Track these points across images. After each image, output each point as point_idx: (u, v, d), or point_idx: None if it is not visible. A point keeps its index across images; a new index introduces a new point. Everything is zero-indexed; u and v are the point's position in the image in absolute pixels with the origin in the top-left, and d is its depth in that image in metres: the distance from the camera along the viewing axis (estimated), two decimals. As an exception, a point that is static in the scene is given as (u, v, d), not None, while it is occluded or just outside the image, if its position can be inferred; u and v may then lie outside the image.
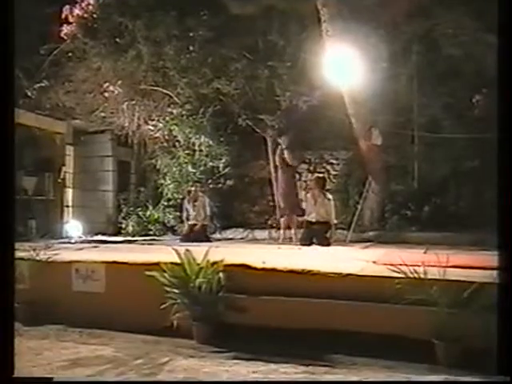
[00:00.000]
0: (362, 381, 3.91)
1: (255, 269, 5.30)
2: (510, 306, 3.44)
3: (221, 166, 12.97)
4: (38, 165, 12.03)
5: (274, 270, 5.26)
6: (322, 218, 9.52)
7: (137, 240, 11.13)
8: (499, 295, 3.63)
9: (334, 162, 13.82)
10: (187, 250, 5.36)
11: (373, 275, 4.91)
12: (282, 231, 10.81)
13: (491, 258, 4.93)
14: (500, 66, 3.72)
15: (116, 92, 12.24)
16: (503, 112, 3.67)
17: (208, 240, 10.50)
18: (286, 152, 11.34)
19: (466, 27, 10.03)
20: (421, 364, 4.17)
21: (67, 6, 11.44)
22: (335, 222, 9.70)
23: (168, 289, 5.09)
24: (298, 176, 14.21)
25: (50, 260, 6.16)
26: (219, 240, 11.38)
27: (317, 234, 9.45)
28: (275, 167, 11.42)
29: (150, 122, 12.80)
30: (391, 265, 4.76)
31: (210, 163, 12.93)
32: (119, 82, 12.12)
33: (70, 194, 13.37)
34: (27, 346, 4.75)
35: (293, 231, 10.63)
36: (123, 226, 13.26)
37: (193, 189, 11.48)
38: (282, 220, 10.92)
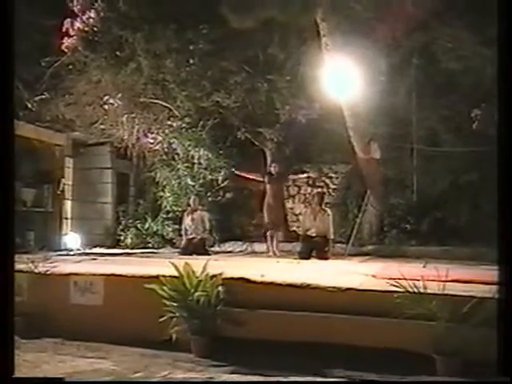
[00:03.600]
0: (362, 380, 3.89)
1: (254, 282, 5.29)
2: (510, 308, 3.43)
3: (220, 178, 12.98)
4: (37, 176, 12.02)
5: (272, 283, 5.25)
6: (321, 232, 9.55)
7: (135, 252, 11.09)
8: (500, 300, 3.62)
9: (333, 175, 13.85)
10: (186, 264, 5.35)
11: (372, 289, 4.90)
12: (269, 244, 10.73)
13: (491, 272, 4.94)
14: (500, 78, 3.73)
15: (116, 105, 12.27)
16: (503, 125, 3.67)
17: (207, 253, 10.46)
18: (273, 164, 11.30)
19: (465, 41, 10.08)
20: (420, 378, 4.15)
21: (68, 19, 11.47)
22: (332, 237, 9.70)
23: (167, 302, 5.08)
24: (296, 190, 14.30)
25: (48, 272, 6.14)
26: (218, 253, 11.35)
27: (316, 248, 9.47)
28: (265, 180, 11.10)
29: (149, 135, 12.83)
30: (391, 279, 4.75)
31: (209, 176, 12.94)
32: (119, 95, 12.15)
33: (68, 205, 13.35)
34: (24, 359, 4.72)
35: (274, 246, 10.60)
36: (122, 238, 13.23)
37: (192, 202, 11.46)
38: (268, 234, 10.78)
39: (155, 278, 5.30)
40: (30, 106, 11.79)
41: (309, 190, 13.92)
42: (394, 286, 4.56)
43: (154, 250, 12.01)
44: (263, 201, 10.89)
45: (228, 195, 13.25)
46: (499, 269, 3.64)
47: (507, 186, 3.57)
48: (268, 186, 10.86)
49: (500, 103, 3.73)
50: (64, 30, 11.45)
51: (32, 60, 10.78)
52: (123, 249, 12.39)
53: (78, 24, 11.45)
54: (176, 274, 5.25)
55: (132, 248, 12.50)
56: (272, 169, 11.01)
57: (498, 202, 3.61)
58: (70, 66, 11.91)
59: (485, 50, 9.35)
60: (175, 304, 5.07)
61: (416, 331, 4.35)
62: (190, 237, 10.89)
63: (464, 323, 4.10)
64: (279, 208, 11.02)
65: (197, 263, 5.44)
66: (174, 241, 12.84)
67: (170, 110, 12.44)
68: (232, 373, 4.42)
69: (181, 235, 11.59)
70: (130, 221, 13.44)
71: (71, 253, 10.66)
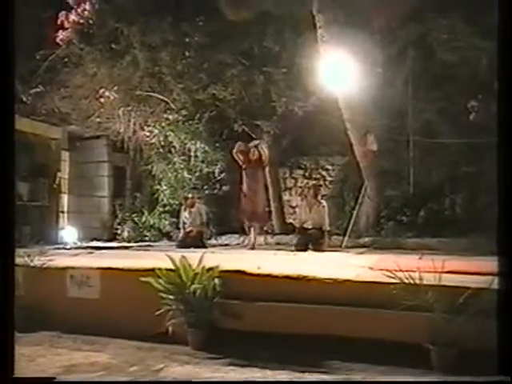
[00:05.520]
0: (362, 381, 3.89)
1: (251, 274, 5.29)
2: (510, 305, 3.42)
3: (216, 171, 12.98)
4: (33, 170, 12.00)
5: (269, 275, 5.25)
6: (317, 224, 9.56)
7: (132, 246, 11.09)
8: (499, 295, 3.60)
9: (330, 167, 13.88)
10: (183, 257, 5.34)
11: (369, 281, 4.90)
12: (249, 237, 10.43)
13: (486, 263, 4.95)
14: (499, 69, 3.69)
15: (112, 98, 12.25)
16: (504, 115, 3.64)
17: (204, 246, 10.47)
18: (251, 149, 10.43)
19: (461, 32, 10.07)
20: (417, 369, 4.16)
21: (63, 12, 11.43)
22: (329, 228, 9.71)
23: (163, 295, 5.07)
24: (292, 182, 14.31)
25: (44, 266, 6.12)
26: (215, 246, 11.35)
27: (312, 240, 9.48)
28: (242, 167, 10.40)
29: (145, 128, 12.82)
30: (387, 270, 4.75)
31: (206, 169, 12.95)
32: (115, 88, 12.13)
33: (65, 199, 13.34)
34: (21, 353, 4.71)
35: (252, 238, 10.27)
36: (119, 231, 13.25)
37: (189, 196, 11.46)
38: (246, 225, 10.48)
39: (152, 272, 5.29)
40: (24, 99, 11.75)
41: (305, 182, 13.95)
42: (391, 277, 4.56)
43: (151, 243, 12.00)
44: (267, 193, 10.62)
45: (225, 188, 13.24)
46: (499, 259, 3.62)
47: (507, 175, 3.52)
48: (245, 173, 10.24)
49: (500, 93, 3.70)
50: (59, 22, 11.42)
51: (26, 53, 10.72)
52: (120, 242, 12.39)
53: (72, 16, 11.42)
54: (172, 266, 5.25)
55: (129, 241, 12.51)
56: (250, 154, 10.31)
57: (498, 192, 3.58)
58: (65, 59, 11.91)
59: (480, 41, 9.35)
60: (171, 297, 5.07)
61: (412, 322, 4.36)
62: (188, 230, 10.89)
63: (460, 314, 4.10)
64: (258, 197, 10.21)
65: (194, 256, 5.44)
66: (171, 234, 12.86)
67: (167, 102, 12.43)
68: (229, 365, 4.42)
69: (178, 228, 11.60)
70: (127, 214, 13.46)
71: (68, 246, 10.65)
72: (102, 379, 4.09)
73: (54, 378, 3.86)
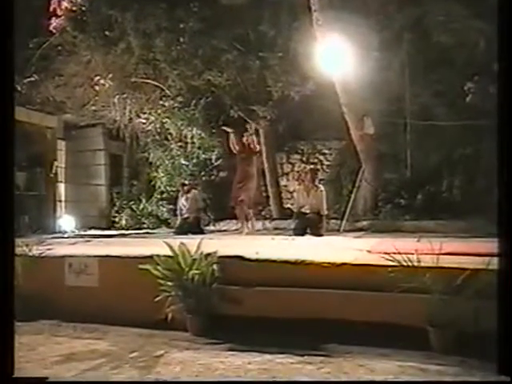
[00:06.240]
0: (362, 381, 3.89)
1: (249, 260, 5.29)
2: (510, 306, 3.41)
3: (213, 157, 12.95)
4: (29, 160, 11.96)
5: (267, 260, 5.25)
6: (315, 209, 9.56)
7: (130, 233, 11.09)
8: (499, 277, 3.60)
9: (327, 151, 13.86)
10: (182, 243, 5.34)
11: (367, 264, 4.91)
12: (242, 222, 10.47)
13: (484, 244, 4.95)
14: (500, 50, 3.64)
15: (107, 85, 12.19)
16: (503, 96, 3.60)
17: (202, 232, 10.49)
18: (245, 134, 10.67)
19: (457, 14, 10.01)
20: (416, 351, 4.17)
21: (55, -1, 11.36)
22: (326, 213, 9.71)
23: (162, 282, 5.07)
24: (289, 167, 14.29)
25: (42, 255, 6.12)
26: (213, 232, 11.36)
27: (310, 225, 9.48)
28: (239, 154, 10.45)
29: (141, 115, 12.77)
30: (385, 253, 4.75)
31: (203, 155, 12.94)
32: (110, 75, 12.06)
33: (62, 188, 13.32)
34: (20, 342, 4.72)
35: (249, 223, 10.39)
36: (116, 219, 13.25)
37: (187, 182, 11.46)
38: (237, 211, 10.50)
39: (150, 259, 5.28)
40: (19, 88, 11.67)
41: (302, 166, 13.94)
42: (389, 260, 4.56)
43: (149, 231, 12.01)
44: (264, 179, 10.66)
45: (222, 174, 13.24)
46: (499, 241, 3.60)
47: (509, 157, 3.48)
48: (239, 159, 10.40)
49: (500, 75, 3.66)
50: (51, 9, 11.33)
51: (19, 41, 10.62)
52: (118, 230, 12.39)
53: (65, 3, 11.34)
54: (170, 253, 5.24)
55: (127, 229, 12.51)
56: (244, 140, 10.45)
57: (498, 174, 3.54)
58: (59, 47, 11.83)
59: (477, 22, 9.29)
60: (170, 283, 5.07)
61: (411, 304, 4.37)
62: (185, 216, 10.90)
63: (458, 295, 4.11)
64: (249, 182, 10.26)
65: (192, 242, 5.44)
66: (169, 221, 12.86)
67: (162, 89, 12.38)
68: (228, 350, 4.43)
69: (176, 215, 11.61)
70: (125, 202, 13.46)
71: (66, 235, 10.65)
72: (102, 367, 4.10)
73: (47, 378, 3.85)
